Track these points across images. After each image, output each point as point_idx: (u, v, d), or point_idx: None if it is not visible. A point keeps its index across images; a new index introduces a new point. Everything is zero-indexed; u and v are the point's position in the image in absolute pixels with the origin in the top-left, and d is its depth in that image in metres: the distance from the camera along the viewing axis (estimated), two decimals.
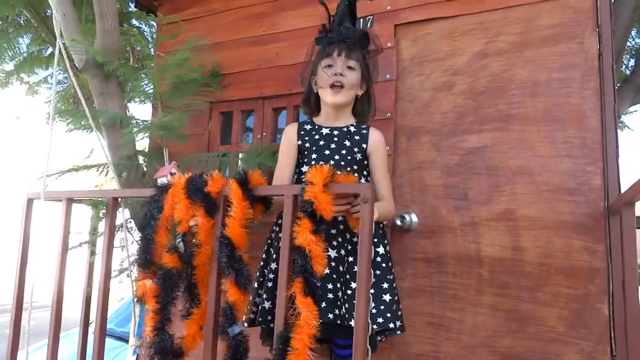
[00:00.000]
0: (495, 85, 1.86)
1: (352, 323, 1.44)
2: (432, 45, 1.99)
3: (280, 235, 1.63)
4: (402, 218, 1.90)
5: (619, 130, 1.83)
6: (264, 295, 1.54)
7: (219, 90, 2.40)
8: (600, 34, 1.73)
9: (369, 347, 1.24)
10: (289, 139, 1.70)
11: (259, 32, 2.39)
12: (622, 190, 1.65)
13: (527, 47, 1.83)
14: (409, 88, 2.02)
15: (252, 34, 2.40)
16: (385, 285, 1.55)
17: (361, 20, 2.12)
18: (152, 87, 2.40)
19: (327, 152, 1.63)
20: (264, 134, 2.32)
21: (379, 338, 1.62)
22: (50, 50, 3.15)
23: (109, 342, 3.20)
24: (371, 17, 2.10)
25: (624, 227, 1.59)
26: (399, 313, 1.57)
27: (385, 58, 2.03)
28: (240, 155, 2.37)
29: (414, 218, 1.90)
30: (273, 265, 1.57)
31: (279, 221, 1.63)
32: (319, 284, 1.22)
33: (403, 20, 2.04)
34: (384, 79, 2.02)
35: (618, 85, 3.14)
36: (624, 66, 3.96)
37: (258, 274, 1.64)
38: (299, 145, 1.67)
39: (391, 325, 1.51)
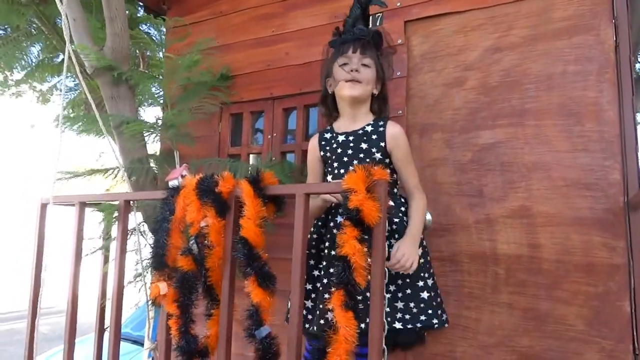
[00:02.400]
0: (508, 80, 1.83)
1: (397, 325, 1.47)
2: (443, 41, 1.97)
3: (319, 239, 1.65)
4: None
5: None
6: None
7: (229, 92, 2.40)
8: (617, 25, 1.69)
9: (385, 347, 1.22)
10: (313, 151, 1.74)
11: (268, 33, 2.38)
12: None
13: (541, 40, 1.79)
14: (420, 85, 1.99)
15: (261, 35, 2.40)
16: (421, 283, 1.54)
17: (370, 18, 2.10)
18: (162, 90, 2.41)
19: (345, 159, 1.63)
20: (275, 134, 2.31)
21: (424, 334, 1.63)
22: (61, 57, 3.18)
23: (125, 346, 3.22)
24: (380, 14, 2.08)
25: None
26: (439, 310, 1.59)
27: (396, 55, 2.00)
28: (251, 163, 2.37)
29: (428, 216, 1.86)
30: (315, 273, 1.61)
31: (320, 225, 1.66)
32: (360, 298, 1.18)
33: (413, 16, 2.02)
34: (394, 76, 1.99)
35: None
36: (638, 64, 3.88)
37: None
38: (321, 156, 1.71)
39: (434, 321, 1.52)
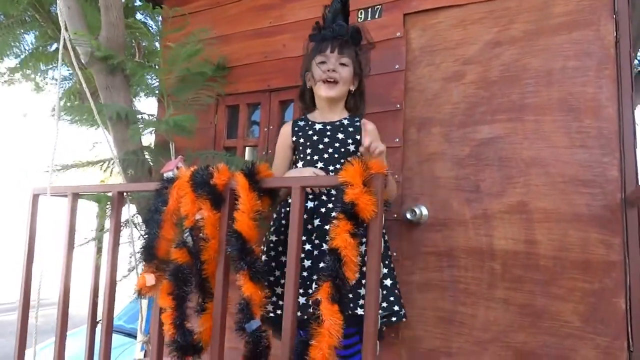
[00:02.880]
0: (507, 75, 1.81)
1: (358, 311, 1.44)
2: (442, 34, 1.95)
3: (272, 229, 1.63)
4: (412, 211, 1.86)
5: None
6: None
7: (225, 84, 2.37)
8: (618, 20, 1.67)
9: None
10: (284, 137, 1.77)
11: (265, 24, 2.35)
12: None
13: (541, 35, 1.78)
14: (418, 78, 1.97)
15: (258, 26, 2.37)
16: (385, 270, 1.55)
17: (369, 10, 2.08)
18: (158, 81, 2.38)
19: (320, 146, 1.66)
20: (271, 127, 2.28)
21: (383, 327, 1.63)
22: (55, 46, 3.13)
23: (119, 338, 3.21)
24: (379, 6, 2.06)
25: None
26: (401, 300, 1.59)
27: (395, 48, 2.00)
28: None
29: (424, 211, 1.87)
30: (263, 257, 1.59)
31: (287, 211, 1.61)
32: (347, 291, 1.17)
33: (412, 9, 2.00)
34: (393, 70, 1.98)
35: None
36: (636, 60, 3.87)
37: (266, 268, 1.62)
38: (293, 141, 1.73)
39: (395, 308, 1.52)
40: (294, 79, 2.21)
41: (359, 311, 1.45)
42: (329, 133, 1.67)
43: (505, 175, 1.77)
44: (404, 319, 1.61)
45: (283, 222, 1.63)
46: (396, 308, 1.55)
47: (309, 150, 1.67)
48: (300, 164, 1.69)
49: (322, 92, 1.67)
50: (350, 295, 1.44)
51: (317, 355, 1.12)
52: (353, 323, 1.29)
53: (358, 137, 1.66)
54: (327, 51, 1.67)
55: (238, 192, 1.32)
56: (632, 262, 1.58)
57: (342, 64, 1.67)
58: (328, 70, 1.64)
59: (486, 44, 1.86)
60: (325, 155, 1.64)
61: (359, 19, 2.08)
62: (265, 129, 2.30)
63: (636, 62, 3.86)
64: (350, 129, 1.68)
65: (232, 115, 2.45)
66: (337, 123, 1.69)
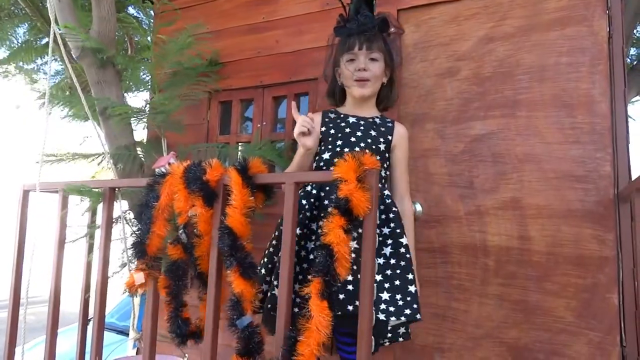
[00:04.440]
0: (501, 71, 1.81)
1: (380, 316, 1.42)
2: (435, 30, 1.94)
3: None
4: None
5: None
6: (275, 282, 1.50)
7: (218, 79, 2.35)
8: (611, 16, 1.67)
9: (373, 339, 1.21)
10: (314, 125, 1.67)
11: (258, 20, 2.33)
12: (633, 178, 1.60)
13: (534, 31, 1.77)
14: (412, 74, 1.97)
15: (251, 22, 2.35)
16: (411, 276, 1.49)
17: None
18: (149, 76, 2.35)
19: (353, 139, 1.60)
20: (264, 123, 2.27)
21: (402, 330, 1.55)
22: (46, 40, 3.10)
23: (111, 336, 3.19)
24: (373, 2, 2.05)
25: (635, 215, 1.55)
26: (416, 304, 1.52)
27: None
28: (240, 148, 2.33)
29: (418, 207, 1.86)
30: (270, 250, 1.56)
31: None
32: (337, 288, 1.16)
33: (406, 4, 1.99)
34: None
35: None
36: (629, 55, 3.89)
37: (266, 260, 1.60)
38: (322, 131, 1.65)
39: (418, 316, 1.45)
40: (287, 75, 2.21)
41: (381, 316, 1.42)
42: (362, 128, 1.62)
43: (499, 171, 1.77)
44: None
45: (300, 215, 1.60)
46: (418, 317, 1.46)
47: (339, 142, 1.61)
48: (326, 155, 1.61)
49: (355, 92, 1.62)
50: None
51: (305, 351, 1.12)
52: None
53: (389, 137, 1.63)
54: (355, 48, 1.59)
55: (231, 187, 1.31)
56: (625, 258, 1.58)
57: (372, 59, 1.60)
58: (358, 70, 1.58)
59: (480, 39, 1.86)
60: (357, 149, 1.57)
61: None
62: (259, 125, 2.28)
63: (629, 58, 3.88)
64: (382, 129, 1.64)
65: (225, 111, 2.44)
66: (370, 120, 1.64)
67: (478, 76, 1.85)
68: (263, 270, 1.59)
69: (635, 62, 3.73)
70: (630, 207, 1.58)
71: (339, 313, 1.20)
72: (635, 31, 3.71)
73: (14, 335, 1.75)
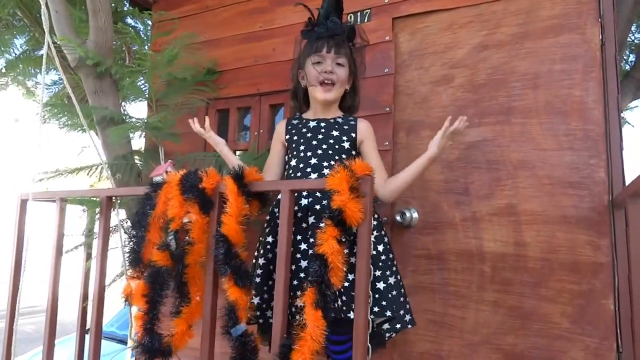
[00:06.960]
0: (495, 78, 1.82)
1: (351, 315, 1.38)
2: (430, 38, 1.96)
3: (267, 230, 1.60)
4: (402, 214, 1.87)
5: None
6: (252, 292, 1.48)
7: (215, 89, 2.37)
8: (603, 24, 1.69)
9: (369, 345, 1.21)
10: (278, 135, 1.73)
11: (255, 28, 2.35)
12: (627, 183, 1.61)
13: (528, 39, 1.79)
14: (407, 82, 1.98)
15: (248, 30, 2.37)
16: (392, 281, 1.49)
17: (358, 14, 2.09)
18: (147, 85, 2.37)
19: (314, 142, 1.61)
20: (261, 131, 2.28)
21: (387, 335, 1.51)
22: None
23: (111, 345, 3.17)
24: (368, 10, 2.07)
25: (629, 220, 1.56)
26: (407, 306, 1.52)
27: (384, 52, 2.00)
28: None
29: (414, 214, 1.87)
30: (261, 261, 1.55)
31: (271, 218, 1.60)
32: (332, 298, 1.16)
33: (401, 13, 2.01)
34: (382, 73, 1.99)
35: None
36: (624, 61, 3.91)
37: (261, 271, 1.60)
38: (286, 139, 1.68)
39: (388, 313, 1.44)
40: (284, 83, 2.22)
41: (352, 315, 1.40)
42: (323, 130, 1.63)
43: (494, 178, 1.78)
44: (409, 326, 1.50)
45: (278, 221, 1.61)
46: (401, 313, 1.47)
47: (302, 147, 1.62)
48: (293, 162, 1.63)
49: (319, 94, 1.62)
50: (344, 298, 1.42)
51: None
52: (347, 329, 1.26)
53: (353, 135, 1.62)
54: (323, 51, 1.60)
55: (227, 195, 1.32)
56: (620, 264, 1.59)
57: (339, 64, 1.61)
58: (325, 72, 1.59)
59: (474, 47, 1.88)
60: (319, 152, 1.59)
61: (349, 22, 2.09)
62: (256, 133, 2.29)
63: (627, 65, 3.91)
64: (345, 127, 1.63)
65: (223, 119, 2.45)
66: (332, 120, 1.65)
67: (473, 83, 1.86)
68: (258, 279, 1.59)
69: (629, 69, 3.75)
70: (625, 213, 1.59)
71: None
72: (632, 37, 3.74)
73: (10, 347, 1.75)
